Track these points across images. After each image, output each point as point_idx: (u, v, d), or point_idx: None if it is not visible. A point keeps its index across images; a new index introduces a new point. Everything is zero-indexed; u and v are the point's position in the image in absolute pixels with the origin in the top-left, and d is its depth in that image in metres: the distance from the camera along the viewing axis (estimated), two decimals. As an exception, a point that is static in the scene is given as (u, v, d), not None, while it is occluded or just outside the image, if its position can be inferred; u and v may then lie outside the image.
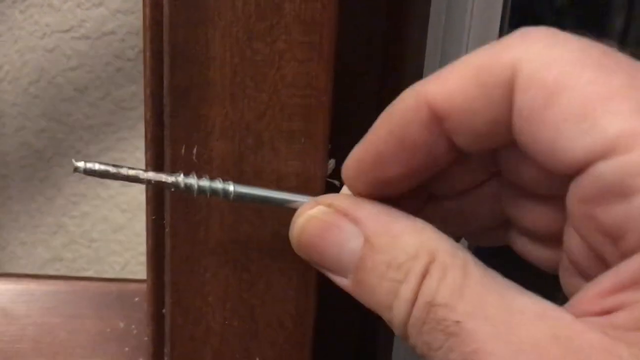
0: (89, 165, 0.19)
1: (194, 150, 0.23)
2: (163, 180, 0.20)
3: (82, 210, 0.50)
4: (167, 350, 0.26)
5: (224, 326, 0.25)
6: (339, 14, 0.22)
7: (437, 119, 0.17)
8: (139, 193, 0.46)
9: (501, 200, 0.21)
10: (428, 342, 0.16)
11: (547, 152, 0.16)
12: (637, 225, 0.15)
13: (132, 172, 0.20)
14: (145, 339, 0.30)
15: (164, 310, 0.25)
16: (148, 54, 0.22)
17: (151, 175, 0.20)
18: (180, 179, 0.20)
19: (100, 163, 0.20)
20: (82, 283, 0.32)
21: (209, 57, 0.22)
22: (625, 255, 0.15)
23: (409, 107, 0.17)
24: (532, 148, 0.16)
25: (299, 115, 0.23)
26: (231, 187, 0.21)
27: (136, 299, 0.31)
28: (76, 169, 0.20)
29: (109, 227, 0.48)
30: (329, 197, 0.20)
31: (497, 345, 0.15)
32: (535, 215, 0.20)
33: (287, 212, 0.22)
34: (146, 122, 0.23)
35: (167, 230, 0.24)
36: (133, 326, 0.31)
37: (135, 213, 0.47)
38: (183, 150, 0.23)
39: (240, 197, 0.21)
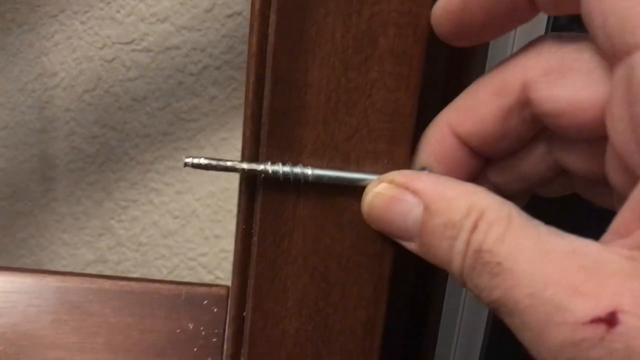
0: (196, 160, 0.24)
1: (286, 166, 0.25)
2: (254, 168, 0.24)
3: (132, 214, 0.52)
4: (244, 350, 0.28)
5: (299, 331, 0.27)
6: (427, 48, 0.24)
7: None
8: (193, 201, 0.48)
9: (553, 153, 0.23)
10: (477, 284, 0.19)
11: (614, 25, 0.17)
12: None
13: (230, 164, 0.24)
14: (214, 340, 0.32)
15: (244, 313, 0.27)
16: (252, 78, 0.24)
17: (245, 165, 0.24)
18: (269, 166, 0.24)
19: (206, 158, 0.24)
20: (154, 285, 0.34)
21: (307, 83, 0.24)
22: None
23: None
24: (597, 21, 0.18)
25: (384, 138, 0.25)
26: (309, 171, 0.24)
27: (205, 302, 0.33)
28: (186, 164, 0.24)
29: (158, 232, 0.50)
30: (391, 174, 0.23)
31: (531, 279, 0.17)
32: (584, 160, 0.22)
33: (364, 226, 0.25)
34: (245, 139, 0.25)
35: (254, 239, 0.26)
36: (202, 328, 0.32)
37: (188, 220, 0.49)
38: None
39: (318, 178, 0.24)
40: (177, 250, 0.50)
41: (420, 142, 0.25)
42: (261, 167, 0.24)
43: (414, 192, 0.22)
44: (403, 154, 0.25)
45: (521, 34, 0.45)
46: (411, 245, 0.23)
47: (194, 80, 0.45)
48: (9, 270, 0.33)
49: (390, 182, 0.23)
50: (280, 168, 0.24)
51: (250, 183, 0.26)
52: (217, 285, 0.33)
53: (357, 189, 0.25)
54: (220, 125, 0.45)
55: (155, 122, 0.48)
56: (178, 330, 0.33)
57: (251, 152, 0.25)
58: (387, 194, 0.23)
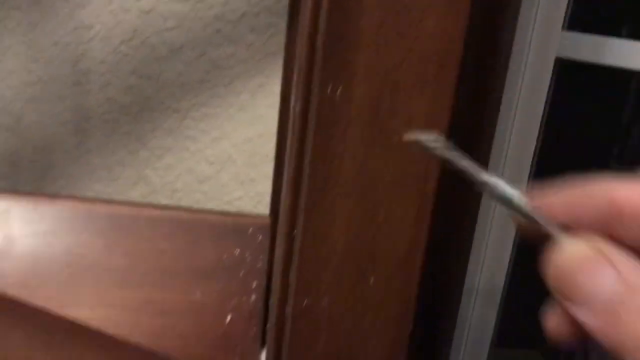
0: (424, 137, 0.21)
1: (338, 91, 0.26)
2: (483, 180, 0.21)
3: (167, 162, 0.53)
4: (293, 267, 0.29)
5: (346, 249, 0.29)
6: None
7: (615, 211, 0.21)
8: (229, 147, 0.49)
9: None
10: None
11: None
12: None
13: (462, 163, 0.21)
14: (259, 265, 0.34)
15: (294, 232, 0.29)
16: (310, 5, 0.25)
17: (473, 168, 0.21)
18: (491, 179, 0.21)
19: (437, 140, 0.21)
20: (202, 214, 0.36)
21: (361, 10, 0.25)
22: None
23: (596, 194, 0.21)
24: None
25: (433, 63, 0.26)
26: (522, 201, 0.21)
27: (250, 230, 0.35)
28: (416, 142, 0.21)
29: (194, 178, 0.52)
30: (589, 237, 0.22)
31: None
32: None
33: (409, 149, 0.26)
34: (300, 66, 0.26)
35: (306, 161, 0.28)
36: (247, 253, 0.34)
37: (223, 165, 0.50)
38: (329, 90, 0.26)
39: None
40: (213, 195, 0.52)
41: (567, 197, 0.23)
42: (487, 178, 0.21)
43: (611, 262, 0.21)
44: (451, 78, 0.26)
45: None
46: (588, 316, 0.21)
47: (232, 28, 0.46)
48: (63, 198, 0.35)
49: (589, 245, 0.22)
50: (497, 185, 0.21)
51: (304, 107, 0.27)
52: (262, 215, 0.35)
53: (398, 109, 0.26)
54: (258, 71, 0.47)
55: (192, 71, 0.49)
56: (225, 256, 0.34)
57: (306, 77, 0.26)
58: (584, 256, 0.22)
